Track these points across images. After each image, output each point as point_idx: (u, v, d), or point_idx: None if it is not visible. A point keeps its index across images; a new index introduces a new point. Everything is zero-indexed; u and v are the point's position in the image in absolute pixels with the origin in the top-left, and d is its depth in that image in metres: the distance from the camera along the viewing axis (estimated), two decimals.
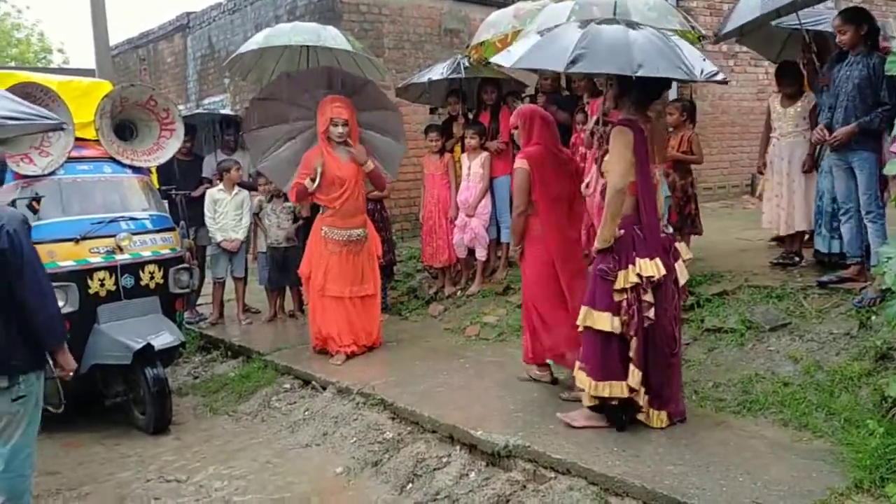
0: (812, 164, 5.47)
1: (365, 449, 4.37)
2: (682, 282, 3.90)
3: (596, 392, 3.81)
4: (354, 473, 4.18)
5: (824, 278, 4.99)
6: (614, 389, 3.78)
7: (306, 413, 4.98)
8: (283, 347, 6.08)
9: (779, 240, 6.08)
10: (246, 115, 6.16)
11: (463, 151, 6.78)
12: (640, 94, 3.84)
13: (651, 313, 3.72)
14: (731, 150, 10.78)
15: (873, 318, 4.35)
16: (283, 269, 6.83)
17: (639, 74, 3.46)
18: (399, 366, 5.36)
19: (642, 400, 3.82)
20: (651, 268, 3.71)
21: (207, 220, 6.84)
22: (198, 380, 6.12)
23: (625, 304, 3.72)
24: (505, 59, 3.91)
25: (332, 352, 5.63)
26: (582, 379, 3.88)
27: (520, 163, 4.52)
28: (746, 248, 6.56)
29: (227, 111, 9.22)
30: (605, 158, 3.88)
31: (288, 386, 5.44)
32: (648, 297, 3.72)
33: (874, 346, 4.14)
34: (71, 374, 3.32)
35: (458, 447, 4.11)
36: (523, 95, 7.00)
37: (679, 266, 3.89)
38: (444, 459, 4.06)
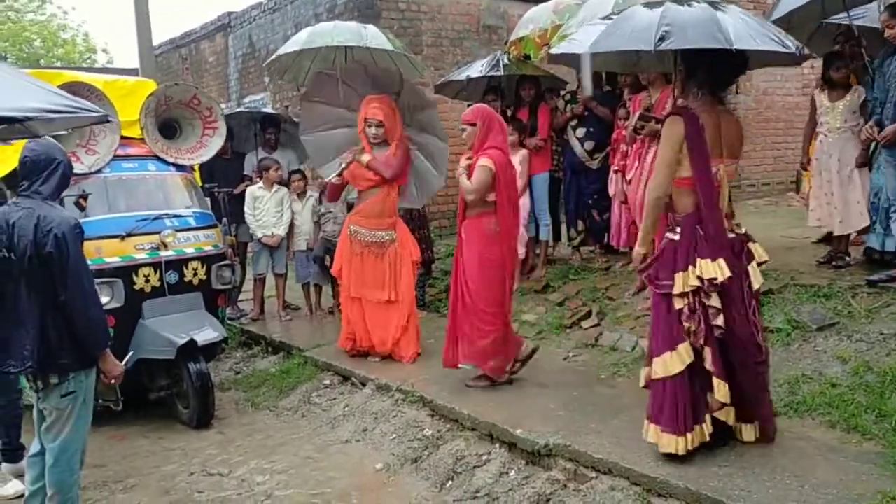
0: (866, 159, 5.32)
1: (404, 445, 4.39)
2: (755, 286, 3.51)
3: (683, 449, 3.39)
4: (394, 470, 4.19)
5: (874, 277, 4.87)
6: (695, 438, 3.42)
7: (346, 409, 5.01)
8: (322, 344, 6.12)
9: (825, 239, 5.95)
10: (312, 83, 6.11)
11: None
12: (710, 76, 3.53)
13: (720, 320, 3.36)
14: (776, 147, 10.59)
15: None
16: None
17: (737, 48, 3.26)
18: (437, 363, 5.32)
19: (731, 417, 3.50)
20: (713, 269, 3.35)
21: (248, 217, 6.93)
22: (239, 375, 6.20)
23: (686, 309, 3.38)
24: (576, 48, 3.78)
25: (356, 350, 5.59)
26: (665, 441, 3.44)
27: (487, 161, 4.54)
28: (792, 247, 6.43)
29: (268, 109, 9.32)
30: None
31: (328, 382, 5.48)
32: (714, 302, 3.36)
33: None
34: (113, 380, 3.36)
35: (497, 445, 4.10)
36: (563, 92, 6.95)
37: (753, 269, 3.51)
38: (484, 457, 4.05)
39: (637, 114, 5.39)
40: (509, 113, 6.93)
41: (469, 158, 4.68)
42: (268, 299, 7.40)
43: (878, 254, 5.15)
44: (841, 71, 5.46)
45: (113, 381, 3.36)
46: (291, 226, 7.07)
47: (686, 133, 3.37)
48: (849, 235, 5.58)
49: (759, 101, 10.28)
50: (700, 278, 3.35)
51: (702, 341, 3.38)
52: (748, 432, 3.59)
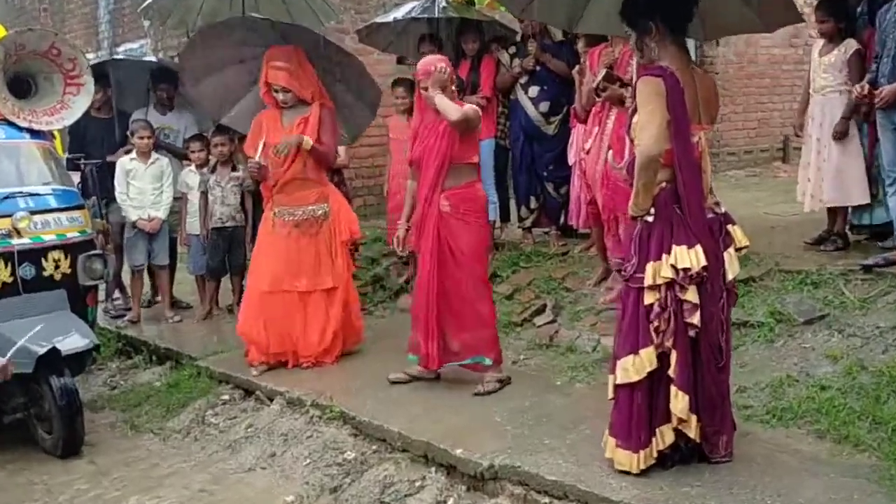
0: (844, 129, 5.51)
1: (321, 472, 4.37)
2: (730, 276, 3.58)
3: (636, 467, 3.53)
4: (308, 502, 4.17)
5: (869, 261, 5.07)
6: (660, 441, 3.55)
7: (249, 430, 4.97)
8: (220, 351, 6.05)
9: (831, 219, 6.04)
10: (185, 60, 6.09)
11: None
12: (665, 19, 3.53)
13: (696, 318, 3.43)
14: (760, 108, 10.84)
15: None
16: (228, 253, 6.80)
17: None
18: (362, 371, 5.36)
19: (694, 431, 3.54)
20: (690, 257, 3.40)
21: (119, 196, 6.77)
22: (116, 391, 6.09)
23: (657, 306, 3.45)
24: None
25: (250, 361, 5.56)
26: (620, 457, 3.59)
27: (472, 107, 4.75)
28: (776, 225, 6.63)
29: (149, 59, 9.07)
30: (634, 120, 3.59)
31: (226, 397, 5.43)
32: (691, 297, 3.42)
33: None
34: None
35: (433, 469, 4.13)
36: (511, 43, 6.99)
37: (729, 256, 3.58)
38: (417, 484, 4.07)
39: (600, 72, 5.44)
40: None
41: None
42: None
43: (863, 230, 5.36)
44: (826, 23, 5.62)
45: None
46: (179, 204, 6.94)
47: (667, 95, 3.41)
48: (846, 214, 5.77)
49: (740, 54, 10.50)
50: (675, 268, 3.41)
51: (669, 343, 3.45)
52: (716, 446, 3.66)
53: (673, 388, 3.48)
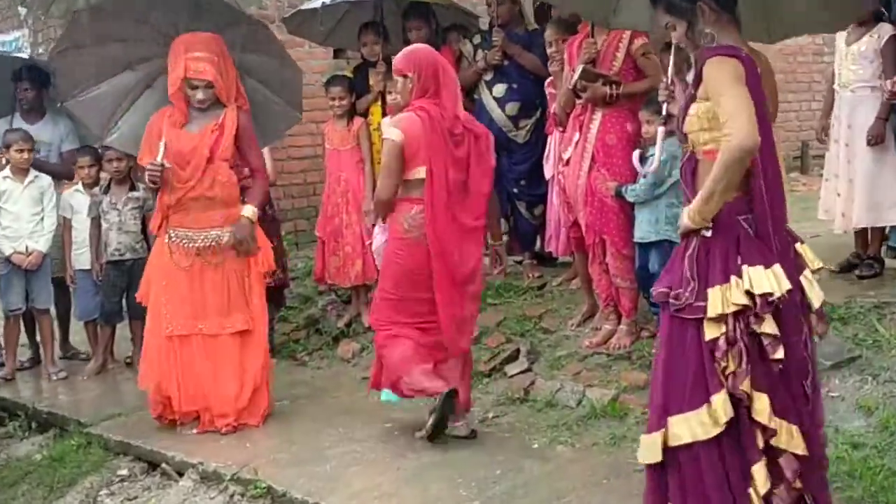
0: (880, 133, 5.56)
1: None
2: (815, 304, 3.48)
3: None
4: None
5: None
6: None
7: None
8: (116, 414, 5.98)
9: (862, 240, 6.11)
10: (57, 70, 6.04)
11: (385, 114, 6.77)
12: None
13: (780, 352, 3.29)
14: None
15: None
16: (126, 292, 6.72)
17: None
18: (295, 436, 5.33)
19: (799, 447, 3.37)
20: (768, 280, 3.29)
21: None
22: None
23: (722, 341, 3.32)
24: None
25: (163, 419, 5.56)
26: None
27: (390, 132, 4.81)
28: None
29: (24, 55, 8.98)
30: (692, 112, 3.49)
31: (125, 472, 5.36)
32: (769, 328, 3.30)
33: None
34: None
35: None
36: (476, 31, 7.04)
37: (807, 281, 3.47)
38: None
39: (578, 68, 5.49)
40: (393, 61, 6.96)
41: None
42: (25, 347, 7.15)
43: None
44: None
45: None
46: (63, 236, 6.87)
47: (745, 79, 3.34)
48: (881, 234, 5.86)
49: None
50: (750, 294, 3.29)
51: (745, 387, 3.29)
52: None
53: (775, 420, 3.31)
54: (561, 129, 5.97)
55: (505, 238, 7.04)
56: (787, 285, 3.29)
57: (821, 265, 3.58)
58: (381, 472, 4.72)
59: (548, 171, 6.47)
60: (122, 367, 6.98)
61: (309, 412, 5.72)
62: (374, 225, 6.70)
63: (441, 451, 4.89)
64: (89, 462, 5.51)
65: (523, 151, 6.78)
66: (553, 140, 6.33)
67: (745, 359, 3.28)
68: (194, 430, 5.50)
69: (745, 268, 3.30)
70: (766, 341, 3.29)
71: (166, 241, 5.52)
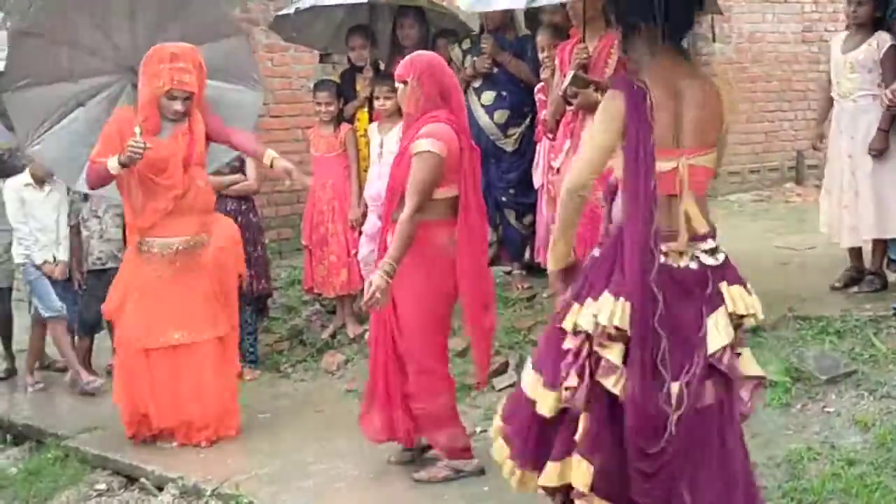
0: (883, 145, 5.57)
1: None
2: (710, 348, 3.40)
3: (519, 485, 3.71)
4: None
5: None
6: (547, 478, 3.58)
7: None
8: (94, 427, 5.96)
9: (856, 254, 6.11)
10: (10, 53, 5.87)
11: (372, 120, 6.76)
12: (659, 20, 3.49)
13: (611, 381, 3.36)
14: (767, 118, 10.99)
15: None
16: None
17: None
18: (277, 450, 5.31)
19: None
20: (609, 311, 3.36)
21: (20, 232, 6.70)
22: None
23: (570, 356, 3.44)
24: None
25: (137, 438, 5.55)
26: (507, 464, 3.73)
27: (430, 144, 4.54)
28: (790, 261, 6.71)
29: None
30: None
31: (102, 486, 5.34)
32: (611, 355, 3.37)
33: None
34: None
35: None
36: (466, 37, 7.03)
37: (715, 324, 3.42)
38: None
39: (569, 74, 5.48)
40: (382, 67, 6.95)
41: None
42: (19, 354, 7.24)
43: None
44: (864, 5, 5.64)
45: None
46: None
47: (626, 114, 3.41)
48: (884, 248, 5.84)
49: (741, 51, 10.65)
50: (595, 319, 3.37)
51: (580, 403, 3.42)
52: None
53: (576, 456, 3.44)
54: (551, 136, 5.96)
55: (494, 248, 7.01)
56: (624, 323, 3.33)
57: (754, 312, 3.49)
58: (366, 488, 4.73)
59: (537, 180, 6.46)
60: (103, 377, 6.88)
61: (292, 425, 5.71)
62: (360, 234, 6.72)
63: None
64: (66, 476, 5.49)
65: (512, 160, 6.77)
66: (542, 148, 6.32)
67: (585, 378, 3.40)
68: (174, 444, 5.49)
69: (605, 293, 3.40)
70: (604, 366, 3.38)
71: (137, 249, 5.50)
